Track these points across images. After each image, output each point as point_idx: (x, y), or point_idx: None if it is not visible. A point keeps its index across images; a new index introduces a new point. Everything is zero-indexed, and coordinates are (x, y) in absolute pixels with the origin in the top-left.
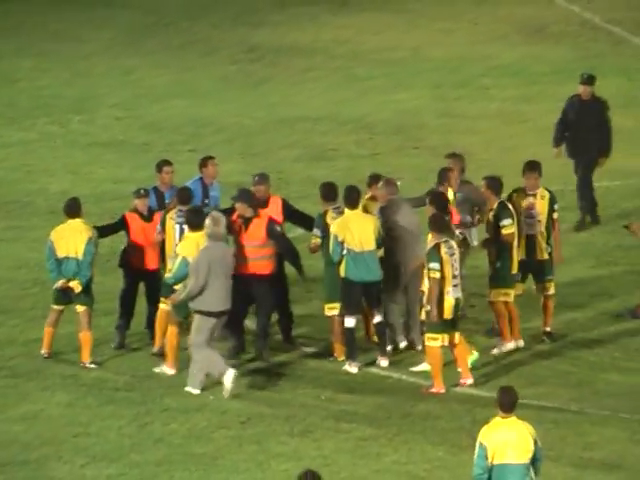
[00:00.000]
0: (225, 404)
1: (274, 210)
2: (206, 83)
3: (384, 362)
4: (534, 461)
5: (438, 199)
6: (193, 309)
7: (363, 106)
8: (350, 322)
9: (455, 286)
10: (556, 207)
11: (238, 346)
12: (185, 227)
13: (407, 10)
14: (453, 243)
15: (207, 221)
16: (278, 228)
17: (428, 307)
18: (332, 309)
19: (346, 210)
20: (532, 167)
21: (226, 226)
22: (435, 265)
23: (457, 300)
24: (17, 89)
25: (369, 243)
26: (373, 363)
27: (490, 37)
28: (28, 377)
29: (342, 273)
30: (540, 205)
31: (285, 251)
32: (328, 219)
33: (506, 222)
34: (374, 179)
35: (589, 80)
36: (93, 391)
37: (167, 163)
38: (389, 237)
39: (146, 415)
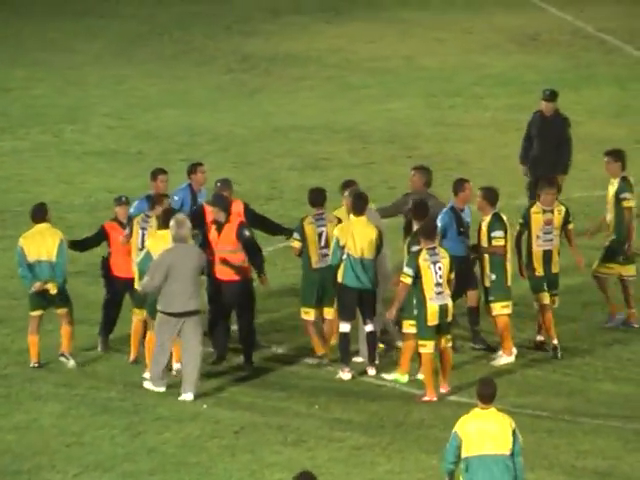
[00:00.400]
0: (218, 413)
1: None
2: (199, 92)
3: (372, 371)
4: (513, 456)
5: (419, 208)
6: (157, 309)
7: (357, 115)
8: (345, 327)
9: (439, 293)
10: (570, 219)
11: (220, 355)
12: (146, 232)
13: (400, 19)
14: (440, 251)
15: (171, 223)
16: (247, 232)
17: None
18: (307, 313)
19: (351, 216)
20: (551, 183)
21: (202, 233)
22: (407, 270)
23: (442, 307)
24: (10, 98)
25: (369, 251)
26: (365, 372)
27: (483, 46)
28: (20, 387)
29: (339, 278)
30: (557, 220)
31: (250, 254)
32: (305, 224)
33: (498, 234)
34: (345, 186)
35: (551, 96)
36: (86, 400)
37: (162, 172)
38: None
39: (139, 424)
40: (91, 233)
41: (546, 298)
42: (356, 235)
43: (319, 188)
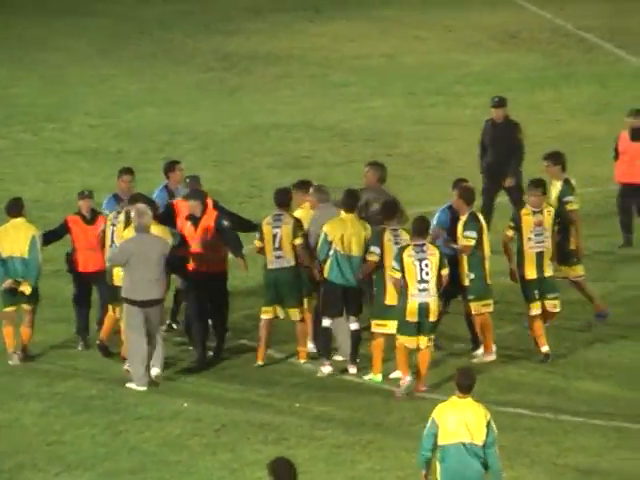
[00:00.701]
0: (199, 411)
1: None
2: (180, 91)
3: (353, 369)
4: (487, 447)
5: (388, 208)
6: (121, 296)
7: (337, 113)
8: (327, 322)
9: (422, 290)
10: (557, 220)
11: (200, 357)
12: (115, 229)
13: (381, 17)
14: (429, 248)
15: (132, 213)
16: (226, 222)
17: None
18: (264, 312)
19: (342, 212)
20: (536, 185)
21: (174, 228)
22: (394, 264)
23: (422, 305)
24: None
25: (357, 248)
26: (345, 370)
27: (463, 44)
28: (1, 386)
29: (325, 274)
30: (547, 221)
31: (230, 242)
32: (264, 224)
33: (469, 234)
34: (301, 185)
35: (500, 103)
36: (67, 399)
37: (127, 172)
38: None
39: (120, 423)
40: (53, 227)
41: (536, 309)
42: (345, 231)
43: (285, 188)
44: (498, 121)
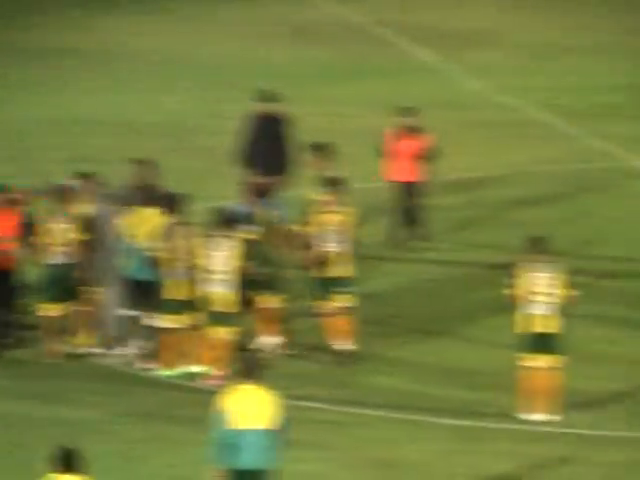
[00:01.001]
0: None
1: None
2: None
3: (146, 364)
4: (274, 432)
5: (171, 202)
6: None
7: (131, 108)
8: (122, 312)
9: (214, 280)
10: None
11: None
12: None
13: (175, 12)
14: (225, 239)
15: None
16: (22, 217)
17: None
18: (47, 309)
19: (140, 207)
20: (331, 183)
21: None
22: (193, 255)
23: (211, 294)
24: None
25: (151, 243)
26: (140, 364)
27: (259, 39)
28: None
29: (121, 267)
30: (342, 222)
31: (23, 236)
32: (45, 221)
33: (251, 228)
34: (83, 178)
35: (264, 96)
36: None
37: None
38: (103, 238)
39: None
40: None
41: (330, 306)
42: (142, 226)
43: (65, 185)
44: (263, 114)
